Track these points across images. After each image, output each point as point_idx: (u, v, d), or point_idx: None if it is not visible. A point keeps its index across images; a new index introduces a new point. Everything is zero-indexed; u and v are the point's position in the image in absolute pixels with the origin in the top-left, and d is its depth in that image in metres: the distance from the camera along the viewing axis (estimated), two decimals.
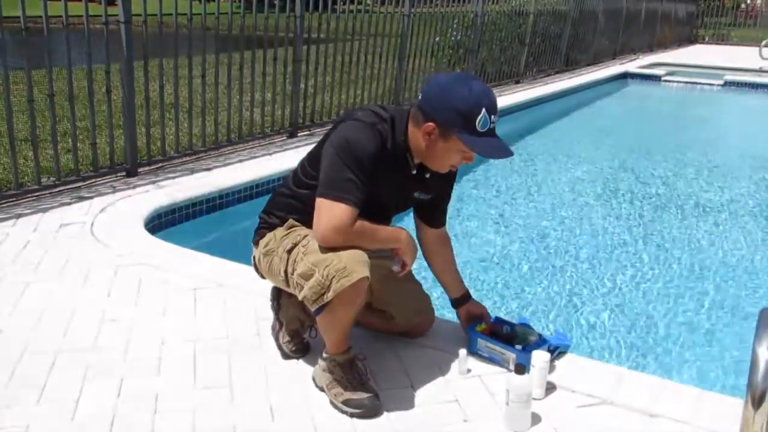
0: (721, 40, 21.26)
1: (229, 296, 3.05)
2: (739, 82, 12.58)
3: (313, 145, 2.38)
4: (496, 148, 2.20)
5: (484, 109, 2.13)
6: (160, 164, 5.06)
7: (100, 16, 4.49)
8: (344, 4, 6.78)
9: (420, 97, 2.25)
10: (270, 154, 5.56)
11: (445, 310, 2.83)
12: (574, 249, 4.59)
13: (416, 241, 2.42)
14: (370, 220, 2.20)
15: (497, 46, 9.94)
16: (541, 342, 2.53)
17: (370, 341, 2.61)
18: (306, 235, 2.26)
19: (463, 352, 2.48)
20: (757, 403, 1.82)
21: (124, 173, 4.81)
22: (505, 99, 8.99)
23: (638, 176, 6.48)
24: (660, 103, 11.90)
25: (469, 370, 2.47)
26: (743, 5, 24.61)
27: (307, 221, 2.25)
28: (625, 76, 13.13)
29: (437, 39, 8.65)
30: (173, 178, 4.81)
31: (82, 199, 4.31)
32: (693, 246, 4.72)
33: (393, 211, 2.47)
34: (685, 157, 7.31)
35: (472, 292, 2.69)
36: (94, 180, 4.65)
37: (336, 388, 2.27)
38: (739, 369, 3.09)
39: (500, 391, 2.27)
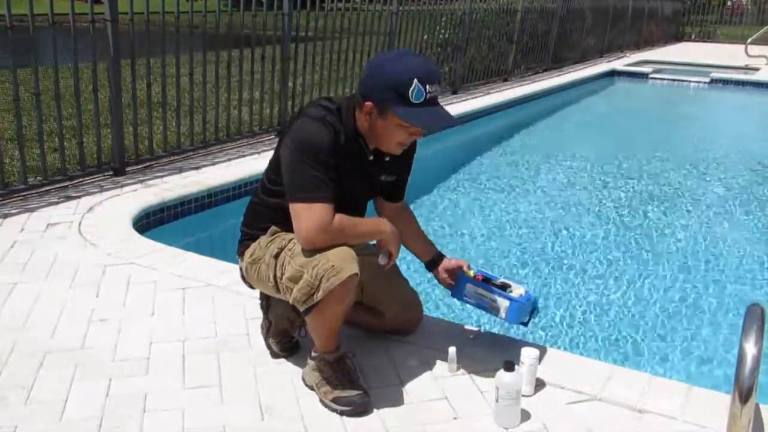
0: (707, 37, 21.35)
1: (218, 295, 3.04)
2: (726, 79, 12.67)
3: None
4: (435, 117, 2.18)
5: (416, 80, 2.11)
6: (148, 163, 5.04)
7: (87, 14, 4.47)
8: (332, 2, 6.77)
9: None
10: (258, 153, 5.54)
11: (433, 309, 2.83)
12: (560, 246, 4.61)
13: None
14: (345, 213, 2.18)
15: (485, 43, 9.95)
16: (530, 296, 2.50)
17: (359, 339, 2.61)
18: (291, 239, 2.25)
19: (452, 350, 2.48)
20: (744, 398, 1.84)
21: (111, 172, 4.78)
22: (493, 97, 9.04)
23: (625, 173, 6.51)
24: (647, 101, 11.96)
25: (458, 368, 2.48)
26: (729, 3, 24.72)
27: (288, 227, 2.23)
28: (612, 73, 13.18)
29: (425, 37, 8.65)
30: (161, 177, 4.78)
31: (69, 198, 4.28)
32: (680, 242, 4.75)
33: (364, 200, 2.45)
34: (672, 154, 7.35)
35: None
36: (81, 179, 4.62)
37: (325, 386, 2.26)
38: (727, 364, 3.11)
39: (490, 388, 2.27)
